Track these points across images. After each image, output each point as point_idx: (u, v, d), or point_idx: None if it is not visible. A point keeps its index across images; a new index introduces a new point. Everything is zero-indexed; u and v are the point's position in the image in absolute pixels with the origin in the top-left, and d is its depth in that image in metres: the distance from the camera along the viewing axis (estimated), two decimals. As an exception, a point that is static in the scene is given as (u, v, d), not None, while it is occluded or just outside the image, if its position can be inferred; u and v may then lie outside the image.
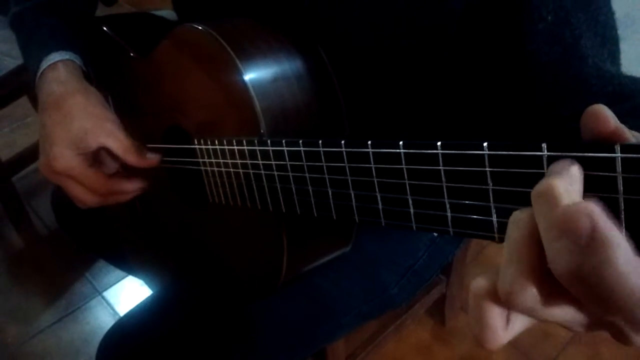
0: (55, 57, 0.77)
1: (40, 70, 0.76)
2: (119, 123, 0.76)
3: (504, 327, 0.31)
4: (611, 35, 0.58)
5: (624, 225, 0.28)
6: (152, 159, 0.76)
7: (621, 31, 0.60)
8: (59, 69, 0.76)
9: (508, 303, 0.29)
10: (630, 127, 0.31)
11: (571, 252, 0.25)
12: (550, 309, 0.29)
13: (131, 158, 0.75)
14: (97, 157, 0.76)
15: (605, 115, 0.29)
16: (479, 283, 0.31)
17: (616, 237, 0.25)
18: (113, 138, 0.74)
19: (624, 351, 1.46)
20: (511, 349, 1.48)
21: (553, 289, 0.28)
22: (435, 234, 0.93)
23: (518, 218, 0.29)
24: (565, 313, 0.29)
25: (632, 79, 0.57)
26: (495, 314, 0.30)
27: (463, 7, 0.58)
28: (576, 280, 0.26)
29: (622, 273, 0.24)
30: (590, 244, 0.25)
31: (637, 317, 0.25)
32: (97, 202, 0.77)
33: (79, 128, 0.73)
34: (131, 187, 0.78)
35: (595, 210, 0.25)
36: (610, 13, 0.58)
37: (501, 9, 0.57)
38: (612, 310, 0.26)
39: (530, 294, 0.28)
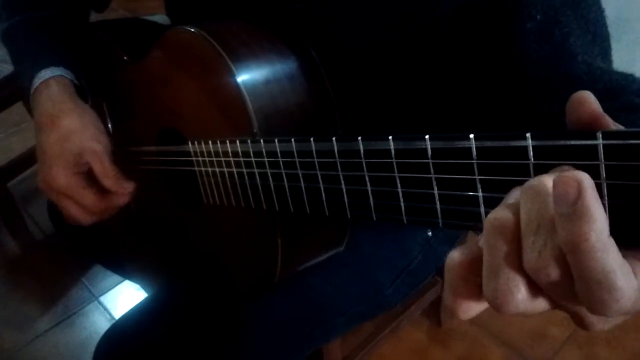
0: (46, 73, 0.78)
1: (33, 88, 0.78)
2: (107, 146, 0.78)
3: (479, 299, 0.31)
4: (601, 32, 0.59)
5: (607, 211, 0.28)
6: (126, 187, 0.78)
7: (612, 33, 0.61)
8: (52, 87, 0.78)
9: (499, 310, 0.29)
10: (622, 122, 0.31)
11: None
12: (537, 305, 0.30)
13: (107, 182, 0.77)
14: (91, 175, 0.78)
15: (589, 100, 0.30)
16: (453, 256, 0.32)
17: (597, 212, 0.26)
18: (97, 160, 0.76)
19: (619, 352, 1.47)
20: (507, 349, 1.48)
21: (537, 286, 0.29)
22: (429, 234, 0.93)
23: (497, 224, 0.29)
24: (546, 304, 0.30)
25: (623, 75, 0.58)
26: (471, 285, 0.31)
27: (452, 9, 0.59)
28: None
29: (593, 246, 0.26)
30: (574, 211, 0.26)
31: (600, 298, 0.26)
32: (93, 220, 0.79)
33: (73, 148, 0.75)
34: (122, 200, 0.79)
35: (585, 183, 0.26)
36: (600, 11, 0.58)
37: (490, 9, 0.57)
38: (579, 291, 0.27)
39: (522, 299, 0.29)
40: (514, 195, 0.31)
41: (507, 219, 0.29)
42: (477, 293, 0.31)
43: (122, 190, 0.78)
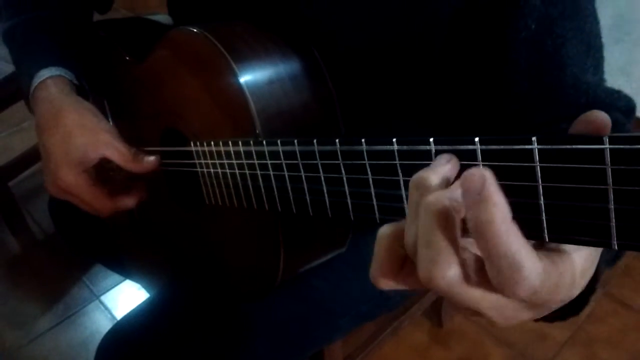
0: (45, 73, 0.77)
1: (32, 88, 0.77)
2: (114, 132, 0.77)
3: (398, 271, 0.36)
4: (595, 43, 0.59)
5: (613, 215, 0.28)
6: (151, 162, 0.77)
7: (615, 33, 0.61)
8: (49, 87, 0.77)
9: (430, 285, 0.32)
10: None
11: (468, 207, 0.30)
12: (467, 289, 0.32)
13: (130, 165, 0.76)
14: (99, 172, 0.77)
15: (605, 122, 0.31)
16: (384, 228, 0.36)
17: (499, 198, 0.29)
18: (111, 148, 0.75)
19: (620, 352, 1.47)
20: (508, 350, 1.48)
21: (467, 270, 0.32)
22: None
23: (427, 201, 0.32)
24: (481, 295, 0.32)
25: (609, 92, 0.58)
26: (395, 257, 0.36)
27: (452, 11, 0.59)
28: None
29: (498, 228, 0.29)
30: (480, 199, 0.29)
31: (509, 277, 0.29)
32: (111, 210, 0.79)
33: (77, 145, 0.74)
34: (132, 202, 0.79)
35: (488, 175, 0.30)
36: (595, 22, 0.59)
37: (489, 15, 0.57)
38: (491, 274, 0.30)
39: (454, 274, 0.31)
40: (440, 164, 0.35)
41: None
42: (399, 265, 0.36)
43: (146, 167, 0.76)
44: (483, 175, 0.30)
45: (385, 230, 0.36)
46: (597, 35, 0.59)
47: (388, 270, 0.36)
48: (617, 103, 0.57)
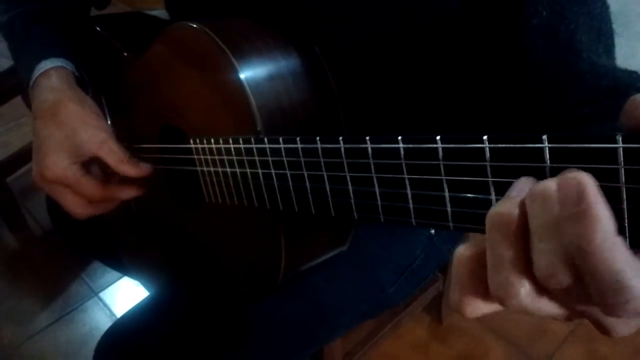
0: (47, 64, 0.76)
1: (33, 79, 0.76)
2: (112, 133, 0.76)
3: (486, 296, 0.31)
4: (606, 28, 0.58)
5: (626, 216, 0.28)
6: (144, 169, 0.76)
7: (615, 27, 0.60)
8: (52, 77, 0.76)
9: (503, 303, 0.29)
10: None
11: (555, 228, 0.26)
12: (545, 305, 0.29)
13: (122, 167, 0.74)
14: (89, 165, 0.76)
15: None
16: (462, 250, 0.32)
17: (600, 211, 0.25)
18: (106, 149, 0.73)
19: (621, 347, 1.47)
20: (508, 346, 1.48)
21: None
22: (432, 233, 0.93)
23: (497, 219, 0.29)
24: (553, 307, 0.30)
25: (628, 73, 0.57)
26: (479, 280, 0.31)
27: (459, 5, 0.58)
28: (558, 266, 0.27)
29: (598, 247, 0.25)
30: (575, 213, 0.26)
31: (612, 299, 0.26)
32: (91, 212, 0.77)
33: (74, 137, 0.72)
34: (125, 194, 0.77)
35: (587, 181, 0.26)
36: (605, 6, 0.58)
37: (498, 5, 0.56)
38: (592, 293, 0.27)
39: (526, 294, 0.29)
40: (517, 188, 0.30)
41: (509, 214, 0.29)
42: (484, 289, 0.31)
43: (139, 172, 0.75)
44: (581, 183, 0.26)
45: (464, 252, 0.32)
46: (608, 21, 0.58)
47: (472, 294, 0.32)
48: (637, 84, 0.56)
